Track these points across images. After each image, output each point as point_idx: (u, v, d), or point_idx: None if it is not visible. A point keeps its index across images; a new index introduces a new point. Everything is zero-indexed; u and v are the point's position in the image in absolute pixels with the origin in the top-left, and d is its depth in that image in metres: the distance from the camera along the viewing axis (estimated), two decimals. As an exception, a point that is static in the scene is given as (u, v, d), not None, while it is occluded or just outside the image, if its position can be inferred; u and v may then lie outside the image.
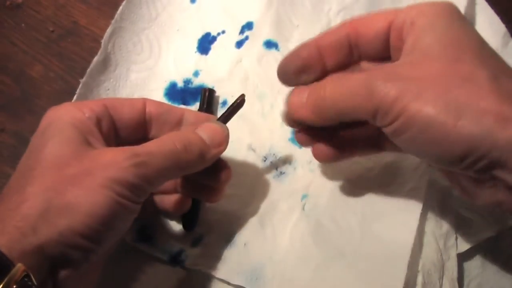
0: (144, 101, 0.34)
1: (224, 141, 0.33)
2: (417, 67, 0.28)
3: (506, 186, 0.27)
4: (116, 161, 0.27)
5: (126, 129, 0.33)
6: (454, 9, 0.30)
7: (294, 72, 0.33)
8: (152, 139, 0.33)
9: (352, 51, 0.33)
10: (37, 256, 0.25)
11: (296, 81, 0.34)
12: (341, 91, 0.30)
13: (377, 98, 0.27)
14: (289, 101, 0.33)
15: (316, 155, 0.36)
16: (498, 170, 0.26)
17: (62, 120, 0.30)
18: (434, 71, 0.27)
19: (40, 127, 0.30)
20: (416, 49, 0.29)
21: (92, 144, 0.29)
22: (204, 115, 0.37)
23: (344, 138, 0.36)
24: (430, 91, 0.26)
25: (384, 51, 0.32)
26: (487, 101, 0.25)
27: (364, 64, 0.34)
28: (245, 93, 0.36)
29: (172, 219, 0.40)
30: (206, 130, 0.33)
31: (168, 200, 0.37)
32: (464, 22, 0.29)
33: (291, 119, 0.35)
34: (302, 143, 0.37)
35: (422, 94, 0.26)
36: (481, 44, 0.28)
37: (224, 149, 0.33)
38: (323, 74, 0.34)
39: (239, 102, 0.35)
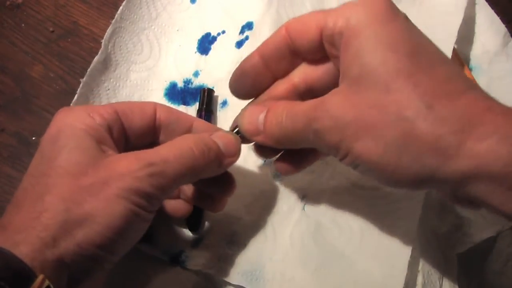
0: (155, 106, 0.34)
1: (237, 151, 0.33)
2: (351, 100, 0.27)
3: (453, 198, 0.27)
4: (132, 170, 0.27)
5: (136, 135, 0.33)
6: (382, 7, 0.27)
7: (244, 86, 0.34)
8: (161, 143, 0.32)
9: (294, 55, 0.32)
10: (57, 266, 0.25)
11: (250, 94, 0.34)
12: (294, 130, 0.30)
13: (325, 141, 0.28)
14: (244, 129, 0.33)
15: (279, 170, 0.36)
16: (446, 193, 0.27)
17: (74, 127, 0.29)
18: (367, 106, 0.26)
19: (51, 131, 0.30)
20: (347, 76, 0.27)
21: (106, 152, 0.29)
22: (213, 126, 0.37)
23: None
24: (367, 132, 0.26)
25: (320, 53, 0.31)
26: (424, 138, 0.24)
27: (305, 68, 0.33)
28: None
29: (173, 220, 0.40)
30: (221, 138, 0.32)
31: (170, 205, 0.36)
32: (396, 23, 0.27)
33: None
34: (262, 157, 0.37)
35: (361, 137, 0.26)
36: (415, 54, 0.26)
37: (237, 160, 0.33)
38: (273, 80, 0.34)
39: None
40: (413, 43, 0.26)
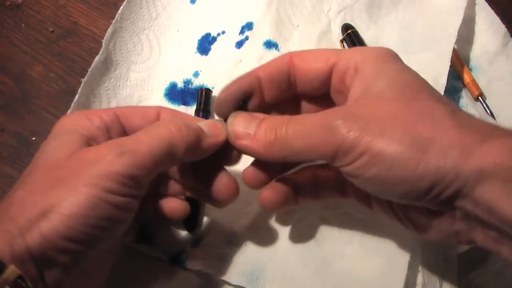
0: (159, 109, 0.34)
1: (221, 132, 0.32)
2: (374, 108, 0.28)
3: (464, 215, 0.27)
4: (101, 155, 0.27)
5: None
6: (395, 54, 0.31)
7: (235, 102, 0.33)
8: None
9: (291, 86, 0.33)
10: (25, 258, 0.24)
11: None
12: (299, 131, 0.29)
13: (338, 137, 0.27)
14: (232, 129, 0.32)
15: (264, 202, 0.34)
16: (459, 200, 0.26)
17: (67, 126, 0.30)
18: (394, 110, 0.27)
19: (49, 135, 0.30)
20: (369, 94, 0.29)
21: None
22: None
23: (304, 184, 0.35)
24: (393, 128, 0.26)
25: (323, 89, 0.32)
26: (450, 135, 0.26)
27: (305, 105, 0.35)
28: None
29: (172, 222, 0.40)
30: (206, 123, 0.32)
31: (168, 207, 0.36)
32: (407, 66, 0.30)
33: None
34: (251, 184, 0.35)
35: (386, 132, 0.26)
36: (430, 86, 0.29)
37: (222, 141, 0.32)
38: (261, 105, 0.33)
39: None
40: (425, 80, 0.30)
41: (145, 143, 0.28)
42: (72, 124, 0.30)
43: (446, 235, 0.29)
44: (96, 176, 0.26)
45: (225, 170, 0.34)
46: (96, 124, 0.30)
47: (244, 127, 0.31)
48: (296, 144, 0.29)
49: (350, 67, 0.30)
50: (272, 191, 0.34)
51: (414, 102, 0.28)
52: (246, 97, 0.33)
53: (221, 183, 0.33)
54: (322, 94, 0.33)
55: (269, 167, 0.34)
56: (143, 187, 0.29)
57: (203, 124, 0.32)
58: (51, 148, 0.29)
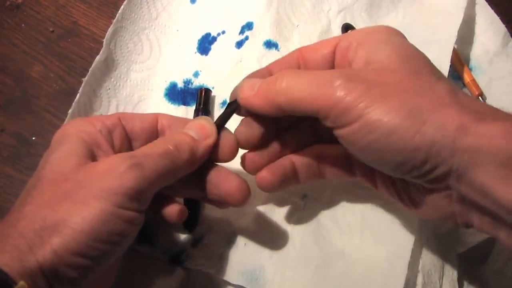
0: (156, 114, 0.34)
1: (210, 132, 0.32)
2: (379, 73, 0.28)
3: (460, 197, 0.27)
4: (112, 167, 0.27)
5: (139, 140, 0.33)
6: (399, 31, 0.31)
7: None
8: None
9: None
10: (36, 274, 0.24)
11: None
12: (299, 80, 0.29)
13: (335, 95, 0.27)
14: (240, 87, 0.32)
15: (259, 182, 0.34)
16: (454, 181, 0.26)
17: (69, 133, 0.29)
18: (396, 78, 0.27)
19: (51, 143, 0.30)
20: (372, 62, 0.29)
21: (97, 157, 0.29)
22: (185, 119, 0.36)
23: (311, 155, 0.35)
24: (394, 97, 0.26)
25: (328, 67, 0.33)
26: (449, 111, 0.26)
27: None
28: None
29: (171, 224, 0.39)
30: (193, 127, 0.32)
31: (167, 211, 0.34)
32: (410, 43, 0.31)
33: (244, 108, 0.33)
34: (250, 168, 0.35)
35: (386, 99, 0.26)
36: (432, 64, 0.30)
37: (213, 141, 0.32)
38: None
39: (233, 108, 0.34)
40: (423, 55, 0.30)
41: (152, 160, 0.28)
42: (73, 130, 0.30)
43: (444, 215, 0.29)
44: (106, 190, 0.26)
45: (232, 172, 0.33)
46: (98, 128, 0.30)
47: (251, 87, 0.31)
48: (292, 93, 0.29)
49: (352, 43, 0.30)
50: (268, 171, 0.34)
51: (416, 75, 0.28)
52: None
53: (232, 186, 0.32)
54: None
55: (269, 148, 0.34)
56: (149, 201, 0.29)
57: (191, 130, 0.32)
58: (56, 158, 0.28)
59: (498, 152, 0.24)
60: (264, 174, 0.34)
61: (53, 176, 0.27)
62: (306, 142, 0.35)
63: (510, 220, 0.24)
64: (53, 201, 0.26)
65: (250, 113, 0.34)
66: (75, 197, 0.26)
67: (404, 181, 0.30)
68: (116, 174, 0.26)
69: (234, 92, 0.33)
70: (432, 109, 0.26)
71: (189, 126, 0.32)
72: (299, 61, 0.33)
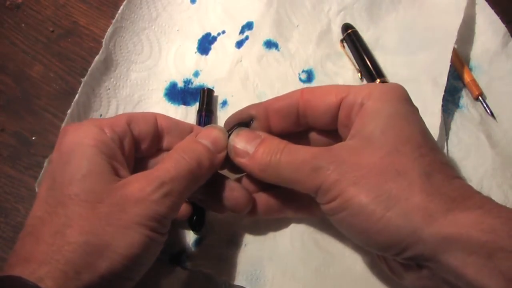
0: (154, 114, 0.34)
1: (224, 146, 0.33)
2: (359, 152, 0.29)
3: (429, 273, 0.28)
4: (145, 195, 0.28)
5: (144, 142, 0.33)
6: (403, 94, 0.31)
7: (240, 121, 0.35)
8: (166, 150, 0.34)
9: (299, 120, 0.34)
10: None
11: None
12: (290, 163, 0.31)
13: (320, 178, 0.29)
14: (233, 145, 0.33)
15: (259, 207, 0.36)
16: (427, 263, 0.27)
17: (85, 145, 0.29)
18: (373, 159, 0.28)
19: (60, 150, 0.29)
20: (361, 134, 0.30)
21: (117, 170, 0.29)
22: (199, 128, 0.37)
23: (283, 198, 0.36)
24: (366, 180, 0.28)
25: (332, 124, 0.33)
26: (416, 198, 0.26)
27: (313, 135, 0.36)
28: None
29: (174, 220, 0.39)
30: (208, 138, 0.33)
31: None
32: (411, 109, 0.31)
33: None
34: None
35: (359, 182, 0.28)
36: (423, 135, 0.30)
37: (224, 156, 0.33)
38: (266, 131, 0.34)
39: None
40: (422, 127, 0.30)
41: (179, 185, 0.29)
42: (88, 140, 0.29)
43: (415, 286, 0.30)
44: (144, 216, 0.27)
45: (234, 181, 0.35)
46: (110, 135, 0.30)
47: (244, 145, 0.33)
48: (286, 174, 0.31)
49: (357, 103, 0.31)
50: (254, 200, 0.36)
51: (395, 154, 0.28)
52: (252, 119, 0.35)
53: (237, 197, 0.34)
54: (331, 129, 0.34)
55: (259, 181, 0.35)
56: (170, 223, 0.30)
57: (205, 140, 0.33)
58: (81, 175, 0.28)
59: (468, 241, 0.25)
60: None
61: (84, 196, 0.27)
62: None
63: None
64: (94, 225, 0.26)
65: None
66: (117, 222, 0.27)
67: None
68: (151, 201, 0.28)
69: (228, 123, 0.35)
70: (400, 196, 0.27)
71: (204, 136, 0.33)
72: (298, 103, 0.33)
